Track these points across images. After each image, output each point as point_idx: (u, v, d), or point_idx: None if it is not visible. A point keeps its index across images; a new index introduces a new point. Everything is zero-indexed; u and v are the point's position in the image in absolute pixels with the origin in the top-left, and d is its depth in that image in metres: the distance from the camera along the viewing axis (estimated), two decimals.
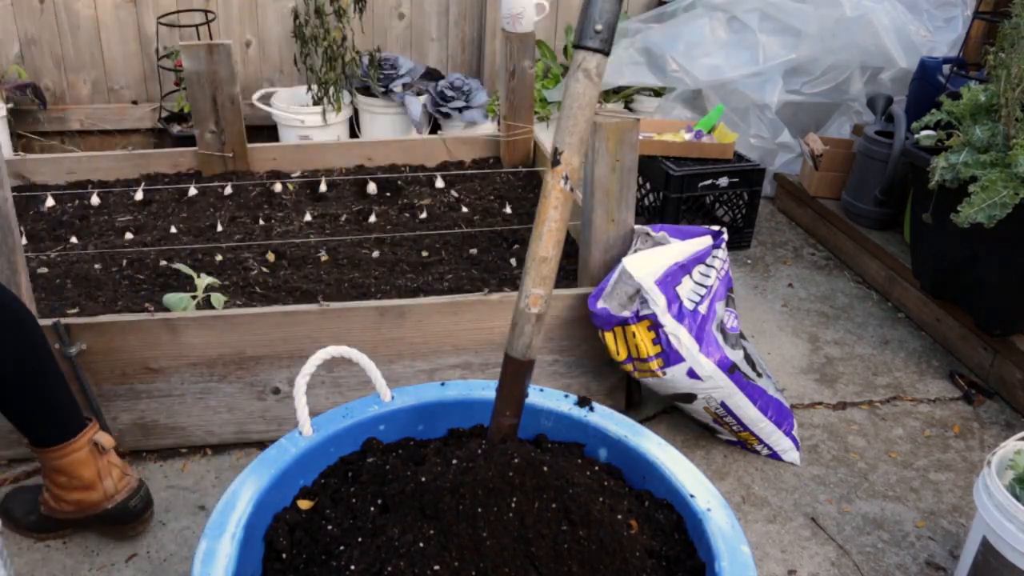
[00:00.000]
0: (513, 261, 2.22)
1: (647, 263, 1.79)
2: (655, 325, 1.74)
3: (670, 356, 1.75)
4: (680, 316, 1.74)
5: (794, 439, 1.92)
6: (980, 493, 1.42)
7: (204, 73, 2.46)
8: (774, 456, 1.92)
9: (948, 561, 1.65)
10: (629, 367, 1.82)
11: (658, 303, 1.73)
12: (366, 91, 3.51)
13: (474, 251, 2.27)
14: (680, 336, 1.74)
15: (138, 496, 1.59)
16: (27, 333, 1.44)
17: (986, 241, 2.03)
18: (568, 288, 1.92)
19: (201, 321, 1.74)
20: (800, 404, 2.11)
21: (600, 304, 1.82)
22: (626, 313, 1.77)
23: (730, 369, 1.79)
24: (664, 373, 1.76)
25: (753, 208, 2.90)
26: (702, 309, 1.78)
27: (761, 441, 1.90)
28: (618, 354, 1.82)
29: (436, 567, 0.99)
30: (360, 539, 1.07)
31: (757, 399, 1.84)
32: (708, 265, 1.84)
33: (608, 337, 1.82)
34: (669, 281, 1.77)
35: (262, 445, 1.86)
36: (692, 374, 1.76)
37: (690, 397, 1.83)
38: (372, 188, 2.59)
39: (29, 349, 1.44)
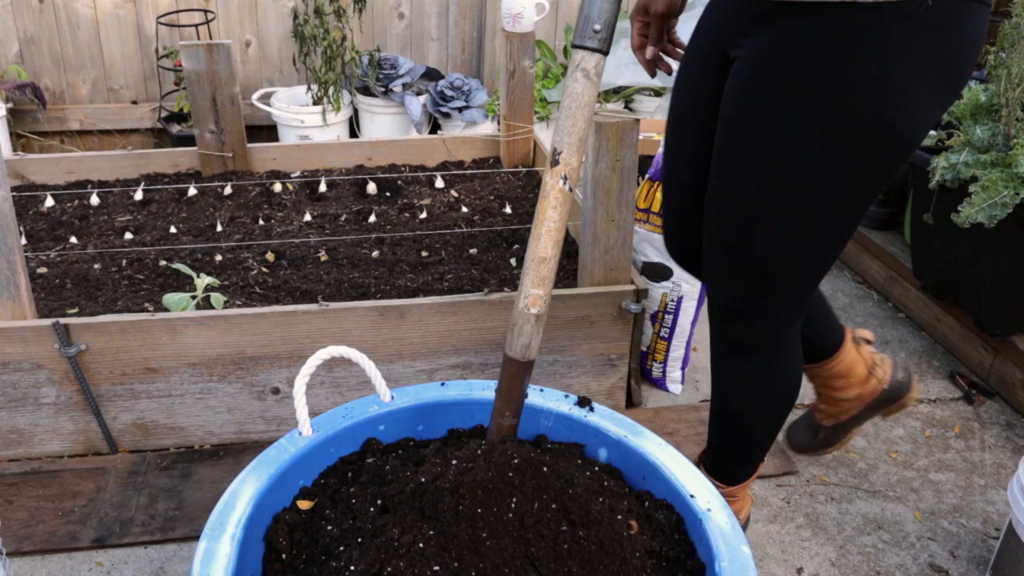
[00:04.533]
0: (513, 261, 2.22)
1: None
2: None
3: None
4: None
5: (683, 376, 2.15)
6: (1014, 490, 1.45)
7: (204, 73, 2.46)
8: (661, 383, 2.14)
9: (948, 561, 1.65)
10: (642, 216, 2.05)
11: None
12: (366, 91, 3.51)
13: (474, 251, 2.27)
14: None
15: (900, 369, 1.72)
16: None
17: (987, 241, 2.03)
18: (568, 288, 1.92)
19: (201, 321, 1.74)
20: (800, 404, 2.11)
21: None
22: None
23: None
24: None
25: None
26: None
27: (664, 360, 2.11)
28: (641, 201, 2.06)
29: (436, 567, 0.99)
30: (360, 539, 1.07)
31: (696, 316, 2.08)
32: None
33: (645, 185, 2.05)
34: None
35: (262, 445, 1.86)
36: None
37: (667, 273, 2.04)
38: (372, 188, 2.59)
39: None
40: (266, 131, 3.57)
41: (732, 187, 1.24)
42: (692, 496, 1.16)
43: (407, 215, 2.48)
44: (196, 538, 1.59)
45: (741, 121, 1.20)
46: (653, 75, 1.42)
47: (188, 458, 1.81)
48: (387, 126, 3.54)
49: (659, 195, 2.03)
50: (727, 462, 1.54)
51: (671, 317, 2.07)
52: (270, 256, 2.22)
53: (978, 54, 1.15)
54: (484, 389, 1.33)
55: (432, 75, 3.62)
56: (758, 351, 1.37)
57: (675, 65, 1.41)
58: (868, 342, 1.71)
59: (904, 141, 1.14)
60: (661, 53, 1.41)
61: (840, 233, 1.25)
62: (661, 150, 2.05)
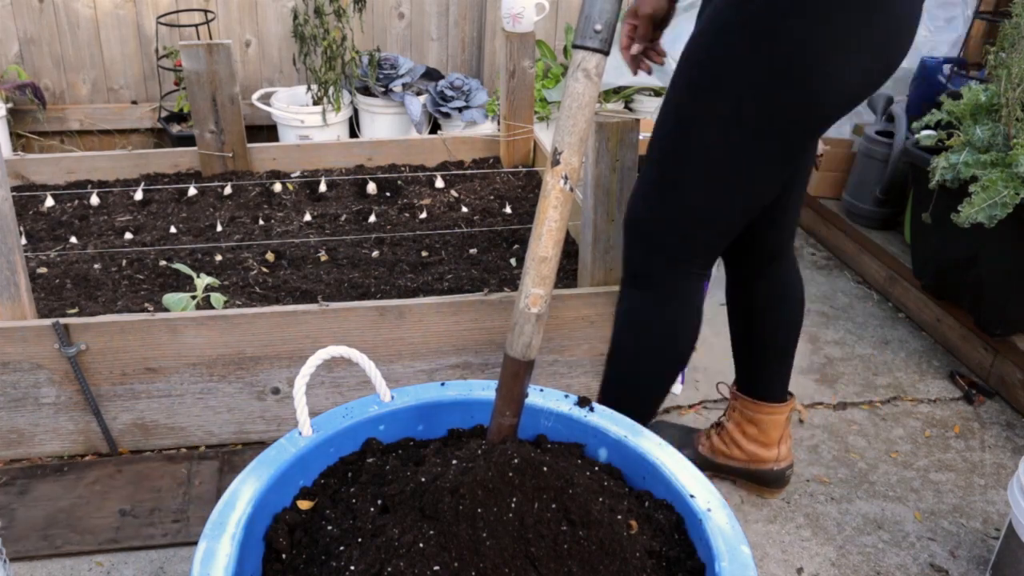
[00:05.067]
0: (513, 261, 2.22)
1: None
2: None
3: None
4: None
5: (683, 376, 2.17)
6: (1014, 490, 1.44)
7: (204, 73, 2.46)
8: None
9: (948, 561, 1.65)
10: None
11: None
12: (366, 91, 3.51)
13: (474, 251, 2.27)
14: None
15: (791, 468, 1.77)
16: (798, 308, 1.65)
17: (987, 241, 2.03)
18: (568, 288, 1.92)
19: (201, 321, 1.74)
20: (800, 404, 2.11)
21: None
22: None
23: (708, 276, 1.98)
24: None
25: None
26: None
27: None
28: None
29: (436, 567, 0.99)
30: (360, 539, 1.07)
31: None
32: None
33: None
34: None
35: (262, 445, 1.86)
36: None
37: None
38: (372, 188, 2.59)
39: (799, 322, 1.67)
40: (266, 131, 3.57)
41: (668, 110, 1.35)
42: (692, 496, 1.15)
43: (407, 215, 2.48)
44: (17, 560, 1.56)
45: (687, 54, 1.33)
46: (635, 73, 1.56)
47: (30, 474, 1.76)
48: (387, 126, 3.54)
49: None
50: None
51: None
52: (270, 256, 2.22)
53: (914, 24, 1.24)
54: (484, 389, 1.33)
55: (432, 75, 3.62)
56: (653, 287, 1.42)
57: (656, 67, 1.55)
58: (801, 422, 1.84)
59: (820, 96, 1.24)
60: (644, 56, 1.54)
61: (748, 175, 1.31)
62: None
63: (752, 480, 1.78)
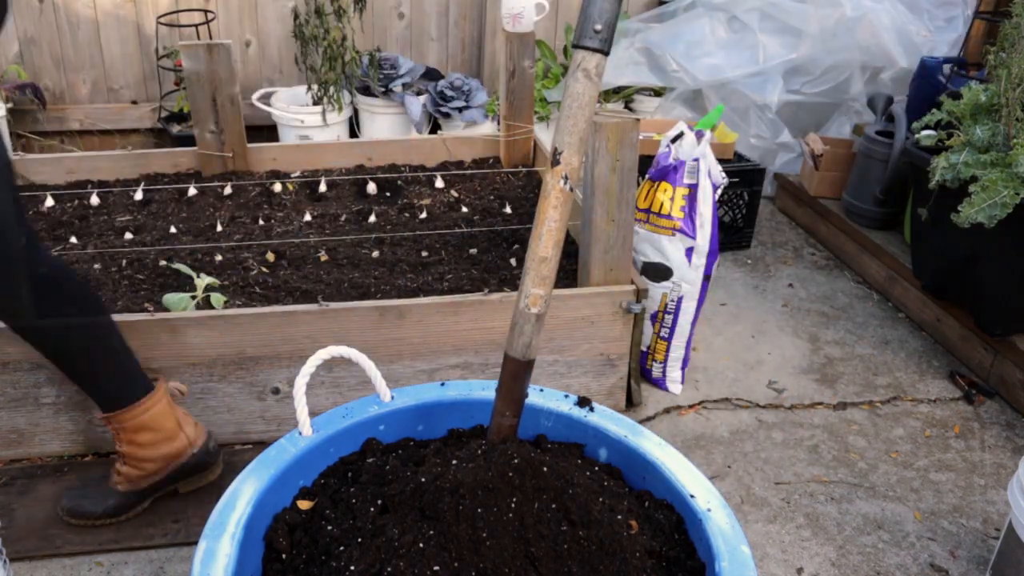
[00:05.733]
0: (513, 261, 2.22)
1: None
2: (692, 196, 1.98)
3: (686, 227, 1.99)
4: (715, 206, 2.02)
5: (683, 376, 2.15)
6: (1014, 490, 1.44)
7: (204, 73, 2.45)
8: (661, 383, 2.14)
9: (948, 561, 1.65)
10: (642, 216, 2.05)
11: (708, 183, 1.99)
12: (366, 91, 3.51)
13: (474, 251, 2.27)
14: (706, 217, 1.98)
15: (212, 439, 1.70)
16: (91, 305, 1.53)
17: (987, 241, 2.03)
18: (568, 288, 1.92)
19: (201, 321, 1.74)
20: (800, 404, 2.11)
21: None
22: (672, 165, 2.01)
23: (707, 276, 2.04)
24: (673, 234, 2.00)
25: (753, 208, 2.90)
26: (717, 215, 2.07)
27: (664, 360, 2.11)
28: (641, 201, 2.07)
29: (436, 567, 0.99)
30: (360, 539, 1.07)
31: (696, 317, 2.09)
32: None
33: (645, 185, 2.07)
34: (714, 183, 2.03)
35: (262, 445, 1.86)
36: (688, 254, 1.98)
37: (667, 273, 2.04)
38: (372, 188, 2.59)
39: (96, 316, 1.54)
40: (266, 131, 3.57)
41: None
42: (692, 496, 1.15)
43: (407, 215, 2.48)
44: (17, 560, 1.55)
45: None
46: None
47: (30, 474, 1.76)
48: (387, 126, 3.54)
49: (659, 195, 2.02)
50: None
51: (671, 317, 2.06)
52: (270, 256, 2.22)
53: None
54: (484, 389, 1.33)
55: (432, 75, 3.62)
56: None
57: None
58: (182, 393, 1.66)
59: None
60: None
61: None
62: (662, 150, 2.05)
63: (190, 474, 1.67)
